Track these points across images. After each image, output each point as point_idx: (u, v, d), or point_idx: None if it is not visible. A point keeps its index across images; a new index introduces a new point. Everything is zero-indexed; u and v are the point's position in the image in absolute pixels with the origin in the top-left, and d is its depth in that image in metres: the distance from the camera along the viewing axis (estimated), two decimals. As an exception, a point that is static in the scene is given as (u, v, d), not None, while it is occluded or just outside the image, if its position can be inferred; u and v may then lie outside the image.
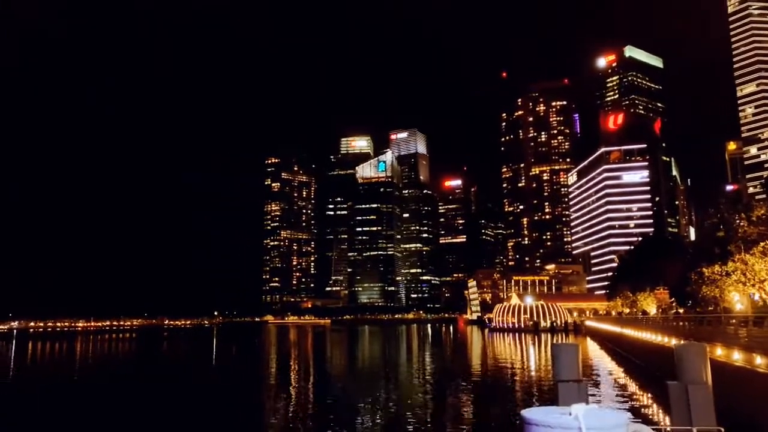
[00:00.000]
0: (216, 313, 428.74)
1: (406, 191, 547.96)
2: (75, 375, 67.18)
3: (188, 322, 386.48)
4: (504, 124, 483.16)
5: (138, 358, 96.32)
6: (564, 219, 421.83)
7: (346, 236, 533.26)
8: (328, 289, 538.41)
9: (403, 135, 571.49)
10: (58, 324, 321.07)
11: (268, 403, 41.16)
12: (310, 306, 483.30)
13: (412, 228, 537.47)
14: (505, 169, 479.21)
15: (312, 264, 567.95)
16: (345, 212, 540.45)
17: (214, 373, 66.27)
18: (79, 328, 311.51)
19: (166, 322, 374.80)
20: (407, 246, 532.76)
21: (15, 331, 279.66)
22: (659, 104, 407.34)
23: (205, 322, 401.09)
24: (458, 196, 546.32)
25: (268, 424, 33.42)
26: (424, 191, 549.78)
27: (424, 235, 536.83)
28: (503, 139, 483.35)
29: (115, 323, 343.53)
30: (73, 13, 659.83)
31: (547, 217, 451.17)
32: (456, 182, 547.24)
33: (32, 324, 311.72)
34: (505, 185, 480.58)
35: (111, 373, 68.53)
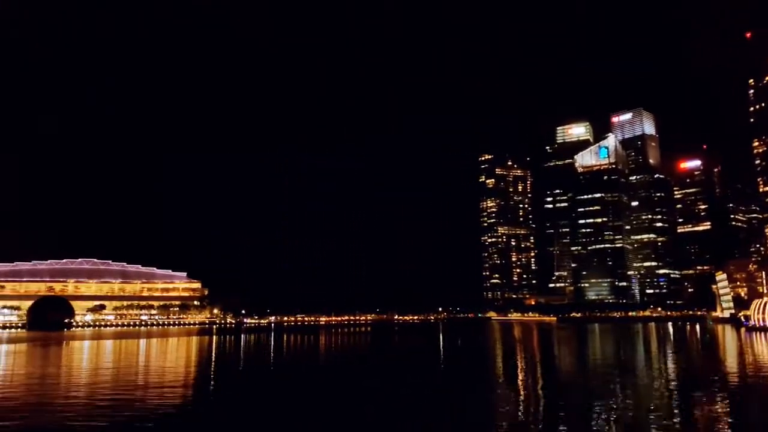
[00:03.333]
0: (440, 309, 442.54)
1: (634, 177, 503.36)
2: (323, 361, 74.68)
3: (415, 318, 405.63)
4: (752, 91, 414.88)
5: (374, 349, 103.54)
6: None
7: (567, 230, 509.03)
8: (551, 285, 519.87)
9: (627, 116, 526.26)
10: (306, 318, 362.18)
11: (497, 398, 40.70)
12: (533, 303, 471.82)
13: (643, 217, 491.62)
14: (756, 143, 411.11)
15: (532, 260, 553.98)
16: (565, 204, 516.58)
17: (443, 366, 67.95)
18: (322, 322, 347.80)
19: (396, 317, 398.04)
20: (638, 237, 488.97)
21: (272, 324, 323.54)
22: None
23: (431, 317, 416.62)
24: (698, 178, 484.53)
25: (497, 419, 32.96)
26: (656, 176, 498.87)
27: (658, 224, 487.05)
28: (752, 109, 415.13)
29: (351, 318, 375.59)
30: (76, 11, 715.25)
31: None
32: (694, 163, 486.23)
33: (285, 318, 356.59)
34: (758, 162, 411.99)
35: (350, 362, 74.72)
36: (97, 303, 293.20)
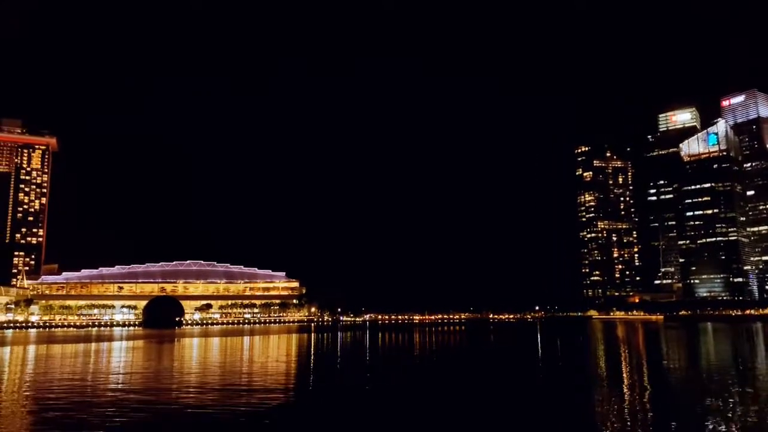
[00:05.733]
0: (537, 307, 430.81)
1: (749, 165, 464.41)
2: (417, 359, 74.69)
3: (511, 317, 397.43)
4: None
5: (468, 348, 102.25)
6: None
7: (674, 223, 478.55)
8: (657, 282, 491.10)
9: (739, 99, 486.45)
10: (399, 317, 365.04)
11: (598, 402, 38.80)
12: (637, 301, 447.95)
13: (761, 207, 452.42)
14: None
15: (636, 255, 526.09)
16: (670, 196, 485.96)
17: (542, 368, 65.84)
18: (416, 321, 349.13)
19: (491, 316, 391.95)
20: (756, 229, 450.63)
21: (367, 322, 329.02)
22: None
23: (528, 316, 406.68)
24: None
25: (599, 425, 31.33)
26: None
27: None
28: None
29: (445, 317, 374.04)
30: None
31: None
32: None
33: (380, 316, 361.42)
34: None
35: (444, 360, 74.21)
36: (204, 302, 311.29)
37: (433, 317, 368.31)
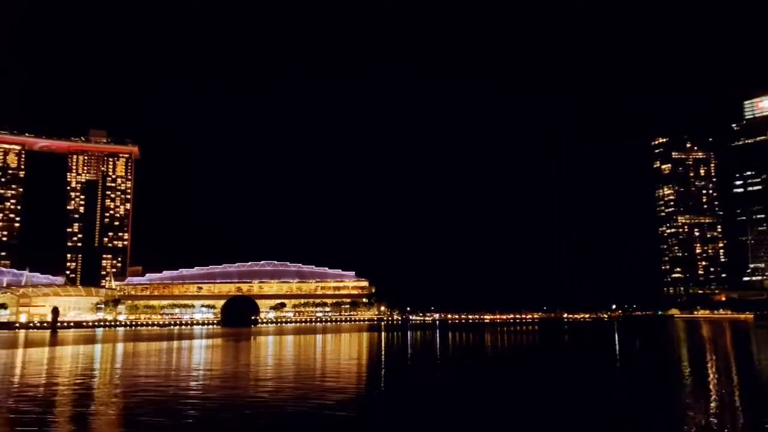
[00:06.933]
0: (614, 306, 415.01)
1: None
2: (488, 359, 73.80)
3: (586, 316, 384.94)
4: None
5: (541, 348, 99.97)
6: None
7: (763, 216, 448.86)
8: (745, 279, 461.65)
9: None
10: (470, 316, 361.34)
11: (680, 408, 37.00)
12: (723, 299, 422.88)
13: None
14: None
15: (720, 251, 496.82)
16: (759, 187, 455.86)
17: (621, 368, 63.49)
18: (487, 320, 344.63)
19: (565, 315, 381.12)
20: None
21: (437, 321, 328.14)
22: None
23: (604, 315, 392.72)
24: None
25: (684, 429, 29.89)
26: None
27: None
28: None
29: (517, 316, 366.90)
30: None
31: None
32: None
33: (449, 316, 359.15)
34: None
35: (515, 360, 72.92)
36: (278, 301, 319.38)
37: (504, 317, 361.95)
